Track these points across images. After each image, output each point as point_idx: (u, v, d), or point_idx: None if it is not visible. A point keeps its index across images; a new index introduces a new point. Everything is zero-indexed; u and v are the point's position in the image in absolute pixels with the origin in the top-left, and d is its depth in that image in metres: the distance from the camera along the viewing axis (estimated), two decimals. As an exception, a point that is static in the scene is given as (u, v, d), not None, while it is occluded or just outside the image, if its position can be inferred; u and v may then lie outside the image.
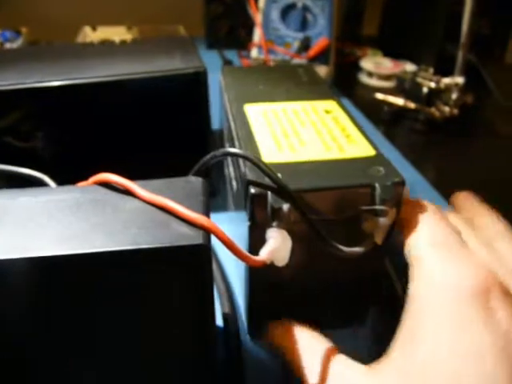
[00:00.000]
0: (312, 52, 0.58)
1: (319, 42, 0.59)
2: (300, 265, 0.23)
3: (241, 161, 0.23)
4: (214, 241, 0.17)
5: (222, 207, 0.34)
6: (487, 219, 0.23)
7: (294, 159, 0.23)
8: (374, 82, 0.66)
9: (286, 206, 0.19)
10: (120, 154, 0.33)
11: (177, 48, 0.36)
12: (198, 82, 0.32)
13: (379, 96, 0.56)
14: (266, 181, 0.20)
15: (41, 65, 0.33)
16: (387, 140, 0.50)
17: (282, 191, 0.20)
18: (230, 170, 0.29)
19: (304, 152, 0.23)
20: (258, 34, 0.61)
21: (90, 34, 0.64)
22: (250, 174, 0.21)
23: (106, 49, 0.38)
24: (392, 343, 0.18)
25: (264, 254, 0.19)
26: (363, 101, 0.59)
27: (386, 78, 0.65)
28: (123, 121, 0.33)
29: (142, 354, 0.20)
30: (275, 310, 0.26)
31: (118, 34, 0.62)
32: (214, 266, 0.31)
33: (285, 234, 0.20)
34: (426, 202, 0.23)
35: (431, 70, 0.55)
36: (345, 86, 0.62)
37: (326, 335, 0.22)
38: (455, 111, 0.52)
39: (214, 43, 0.75)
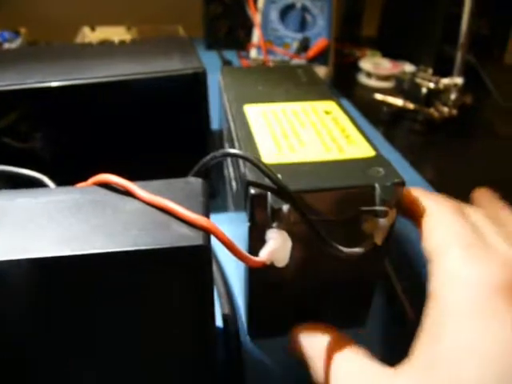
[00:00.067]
0: (311, 53, 0.58)
1: (318, 43, 0.59)
2: (300, 265, 0.23)
3: (240, 161, 0.23)
4: (214, 241, 0.17)
5: (222, 208, 0.34)
6: (507, 215, 0.23)
7: (293, 160, 0.23)
8: (372, 82, 0.66)
9: (285, 207, 0.19)
10: (119, 155, 0.33)
11: (176, 48, 0.36)
12: (197, 82, 0.32)
13: (378, 96, 0.56)
14: (266, 181, 0.20)
15: (40, 65, 0.33)
16: (386, 140, 0.50)
17: (281, 192, 0.20)
18: (230, 171, 0.29)
19: (304, 153, 0.23)
20: (256, 35, 0.61)
21: (89, 35, 0.64)
22: (249, 174, 0.21)
23: (105, 49, 0.38)
24: (414, 343, 0.18)
25: (264, 255, 0.19)
26: (362, 101, 0.59)
27: (385, 78, 0.65)
28: (122, 121, 0.33)
29: (142, 355, 0.20)
30: (275, 311, 0.26)
31: (117, 34, 0.62)
32: (214, 267, 0.31)
33: (285, 234, 0.20)
34: (443, 197, 0.23)
35: (430, 71, 0.55)
36: (344, 86, 0.62)
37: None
38: (454, 112, 0.52)
39: (213, 43, 0.75)
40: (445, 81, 0.53)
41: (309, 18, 0.61)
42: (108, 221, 0.17)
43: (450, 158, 0.49)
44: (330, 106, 0.29)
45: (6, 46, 0.61)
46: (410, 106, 0.54)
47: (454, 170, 0.46)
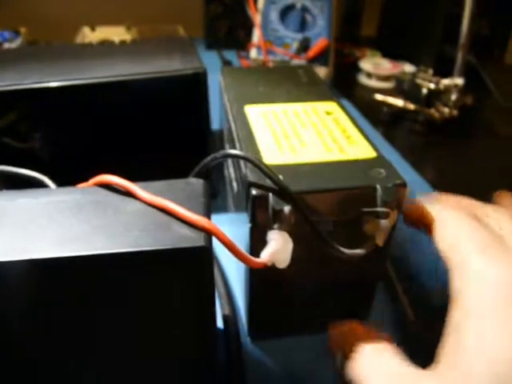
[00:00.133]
0: (311, 53, 0.58)
1: (318, 43, 0.59)
2: (301, 267, 0.23)
3: (242, 162, 0.23)
4: (214, 241, 0.17)
5: (222, 208, 0.34)
6: None
7: (294, 161, 0.23)
8: (373, 82, 0.66)
9: (287, 208, 0.19)
10: (120, 155, 0.33)
11: (176, 48, 0.36)
12: (197, 82, 0.32)
13: (378, 97, 0.56)
14: (267, 182, 0.20)
15: (40, 65, 0.33)
16: (386, 141, 0.50)
17: (283, 193, 0.20)
18: (231, 171, 0.29)
19: (305, 153, 0.23)
20: (257, 35, 0.61)
21: (89, 34, 0.64)
22: (251, 175, 0.21)
23: (105, 49, 0.37)
24: (440, 345, 0.18)
25: (265, 256, 0.19)
26: (362, 102, 0.59)
27: (385, 78, 0.65)
28: (123, 122, 0.33)
29: (142, 356, 0.19)
30: (276, 312, 0.26)
31: (117, 34, 0.62)
32: (215, 268, 0.31)
33: (286, 235, 0.20)
34: (454, 198, 0.22)
35: (430, 71, 0.55)
36: (344, 86, 0.62)
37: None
38: (455, 112, 0.52)
39: (213, 44, 0.75)
40: (445, 81, 0.53)
41: (309, 18, 0.61)
42: (109, 221, 0.17)
43: (450, 159, 0.49)
44: (331, 106, 0.29)
45: (6, 45, 0.61)
46: (411, 106, 0.54)
47: (454, 170, 0.46)
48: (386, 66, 0.66)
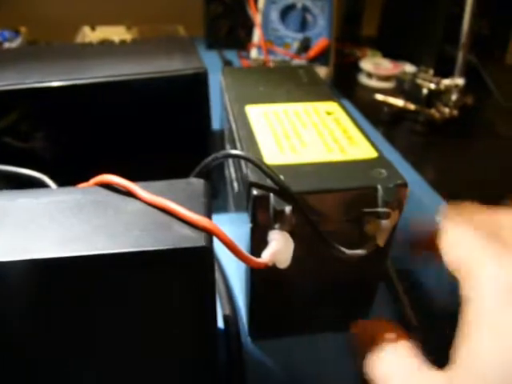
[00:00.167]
0: (312, 53, 0.58)
1: (319, 43, 0.59)
2: (302, 267, 0.23)
3: (242, 162, 0.23)
4: (214, 241, 0.17)
5: (223, 208, 0.34)
6: None
7: (295, 161, 0.23)
8: (373, 82, 0.65)
9: (288, 208, 0.19)
10: (120, 155, 0.32)
11: (177, 48, 0.36)
12: (198, 82, 0.32)
13: (379, 97, 0.56)
14: (268, 183, 0.20)
15: (40, 65, 0.33)
16: (387, 141, 0.50)
17: (284, 193, 0.20)
18: (231, 171, 0.29)
19: (306, 153, 0.23)
20: (257, 35, 0.61)
21: (89, 34, 0.64)
22: (251, 175, 0.21)
23: (106, 49, 0.37)
24: (455, 347, 0.18)
25: (266, 256, 0.19)
26: (363, 102, 0.59)
27: (386, 78, 0.65)
28: (123, 122, 0.33)
29: (143, 355, 0.19)
30: (276, 312, 0.26)
31: (117, 33, 0.62)
32: (215, 268, 0.31)
33: (287, 236, 0.20)
34: (462, 204, 0.22)
35: (431, 71, 0.55)
36: (344, 86, 0.62)
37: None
38: (455, 112, 0.52)
39: (214, 43, 0.75)
40: (446, 81, 0.53)
41: (309, 17, 0.61)
42: (110, 221, 0.17)
43: (451, 159, 0.49)
44: (332, 106, 0.29)
45: (6, 45, 0.61)
46: (411, 106, 0.54)
47: (454, 170, 0.46)
48: (386, 66, 0.66)
